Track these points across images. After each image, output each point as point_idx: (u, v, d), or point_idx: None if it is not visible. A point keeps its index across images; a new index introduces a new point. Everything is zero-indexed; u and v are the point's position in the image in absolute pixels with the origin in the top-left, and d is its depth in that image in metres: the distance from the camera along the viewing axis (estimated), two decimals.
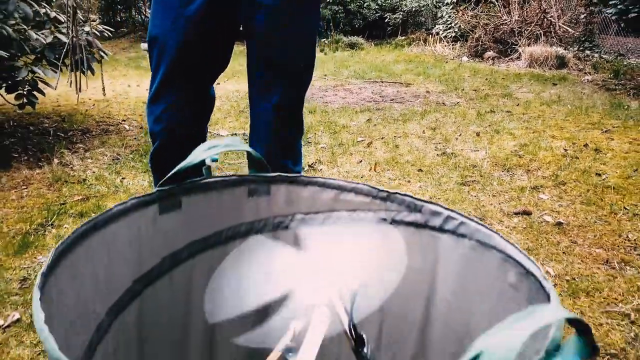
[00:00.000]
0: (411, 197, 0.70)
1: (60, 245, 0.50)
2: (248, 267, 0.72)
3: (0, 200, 2.06)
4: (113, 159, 2.65)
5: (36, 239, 1.73)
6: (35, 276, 1.51)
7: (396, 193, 0.71)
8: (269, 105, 1.15)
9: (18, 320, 1.32)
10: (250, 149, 0.69)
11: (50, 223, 1.85)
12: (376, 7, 10.26)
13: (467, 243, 0.64)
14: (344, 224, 0.74)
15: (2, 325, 1.29)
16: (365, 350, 0.67)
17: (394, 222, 0.72)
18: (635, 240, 1.76)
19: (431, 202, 0.68)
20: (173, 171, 0.65)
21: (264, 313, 0.71)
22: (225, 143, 0.66)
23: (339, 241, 0.72)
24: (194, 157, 0.65)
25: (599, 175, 2.34)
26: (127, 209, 0.61)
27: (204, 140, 1.24)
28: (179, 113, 1.12)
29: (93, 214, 1.92)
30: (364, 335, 0.67)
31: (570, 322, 0.34)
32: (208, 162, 0.68)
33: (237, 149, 0.66)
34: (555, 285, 1.50)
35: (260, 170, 0.74)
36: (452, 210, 0.66)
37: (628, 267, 1.59)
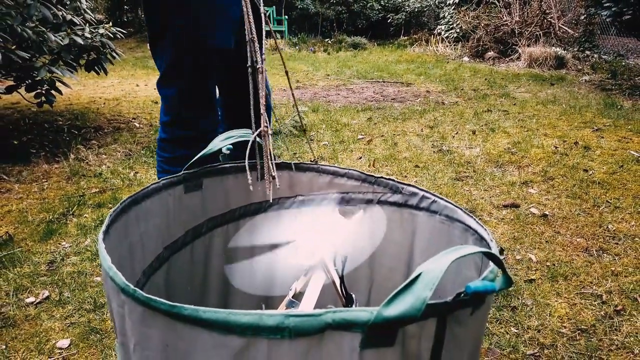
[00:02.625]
0: (394, 180, 0.84)
1: (113, 212, 0.64)
2: (258, 237, 0.86)
3: (23, 192, 2.21)
4: (126, 155, 2.80)
5: (59, 227, 1.87)
6: (61, 259, 1.65)
7: (381, 177, 0.85)
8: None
9: (47, 297, 1.46)
10: (260, 140, 0.83)
11: (71, 213, 1.99)
12: (379, 7, 10.39)
13: (438, 218, 0.77)
14: (338, 203, 0.88)
15: (34, 302, 1.44)
16: (354, 307, 0.81)
17: (379, 202, 0.86)
18: (614, 230, 1.88)
19: (410, 185, 0.82)
20: (196, 157, 0.79)
21: (270, 274, 0.85)
22: (239, 134, 0.79)
23: (333, 218, 0.86)
24: (213, 145, 0.79)
25: (586, 171, 2.47)
26: (160, 188, 0.75)
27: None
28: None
29: (110, 205, 2.07)
30: (353, 295, 0.81)
31: (487, 256, 0.47)
32: (224, 150, 0.81)
33: (249, 139, 0.79)
34: (537, 271, 1.63)
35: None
36: (425, 191, 0.79)
37: (605, 255, 1.72)
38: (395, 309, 0.43)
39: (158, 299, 0.46)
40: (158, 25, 1.12)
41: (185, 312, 0.44)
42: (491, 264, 0.54)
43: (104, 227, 0.60)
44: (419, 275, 0.44)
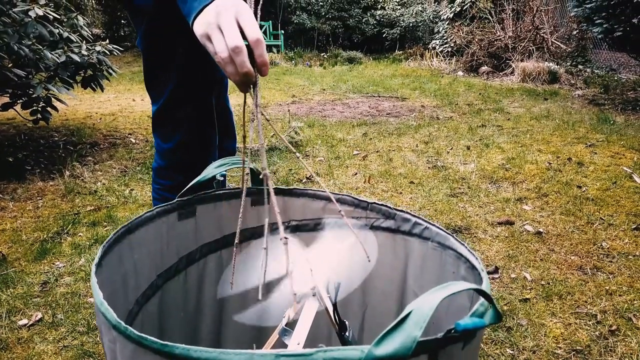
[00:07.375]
0: (387, 206, 0.85)
1: (106, 243, 0.64)
2: (252, 263, 0.86)
3: (17, 210, 2.20)
4: (121, 172, 2.80)
5: (53, 246, 1.87)
6: (55, 280, 1.64)
7: (374, 203, 0.85)
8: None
9: (40, 319, 1.45)
10: (253, 166, 0.83)
11: (65, 231, 1.98)
12: (374, 22, 10.50)
13: (430, 244, 0.78)
14: (331, 229, 0.88)
15: (27, 324, 1.43)
16: (347, 333, 0.81)
17: (372, 227, 0.86)
18: (608, 248, 1.89)
19: (402, 210, 0.82)
20: (189, 185, 0.79)
21: (264, 301, 0.85)
22: (232, 161, 0.80)
23: (326, 243, 0.86)
24: (207, 173, 0.79)
25: (580, 187, 2.49)
26: (154, 216, 0.75)
27: None
28: None
29: (105, 223, 2.07)
30: (346, 322, 0.81)
31: (477, 292, 0.48)
32: (218, 177, 0.82)
33: (243, 166, 0.80)
34: (532, 289, 1.63)
35: (261, 184, 0.88)
36: (418, 217, 0.80)
37: (599, 273, 1.72)
38: (386, 348, 0.43)
39: (149, 337, 0.46)
40: (160, 53, 1.02)
41: (176, 351, 0.44)
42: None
43: (96, 260, 0.60)
44: (410, 313, 0.44)
